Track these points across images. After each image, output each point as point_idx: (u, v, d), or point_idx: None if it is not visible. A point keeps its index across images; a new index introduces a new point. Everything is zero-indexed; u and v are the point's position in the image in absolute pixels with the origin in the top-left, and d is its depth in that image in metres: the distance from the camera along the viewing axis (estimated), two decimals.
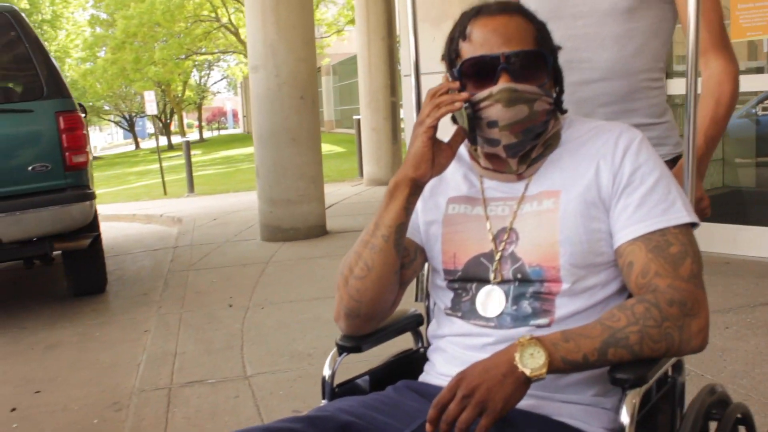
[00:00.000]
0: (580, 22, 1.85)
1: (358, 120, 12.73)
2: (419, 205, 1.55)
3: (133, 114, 40.63)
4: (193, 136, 42.66)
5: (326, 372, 1.60)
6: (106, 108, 39.16)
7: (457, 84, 1.42)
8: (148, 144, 42.81)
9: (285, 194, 6.97)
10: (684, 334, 1.31)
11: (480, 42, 1.41)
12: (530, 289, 1.42)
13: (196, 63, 34.04)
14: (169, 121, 37.49)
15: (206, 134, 46.10)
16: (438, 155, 1.44)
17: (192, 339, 4.25)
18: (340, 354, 1.60)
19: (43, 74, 4.95)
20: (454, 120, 1.48)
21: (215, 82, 54.87)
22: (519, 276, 1.44)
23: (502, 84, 1.37)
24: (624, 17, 1.84)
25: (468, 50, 1.42)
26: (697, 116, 1.73)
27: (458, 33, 1.45)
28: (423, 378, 1.57)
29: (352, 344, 1.59)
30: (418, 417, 1.36)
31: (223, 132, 52.43)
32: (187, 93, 36.52)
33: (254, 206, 7.74)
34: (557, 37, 1.52)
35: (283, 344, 3.98)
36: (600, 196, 1.42)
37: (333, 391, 1.60)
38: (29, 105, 4.90)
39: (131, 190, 15.28)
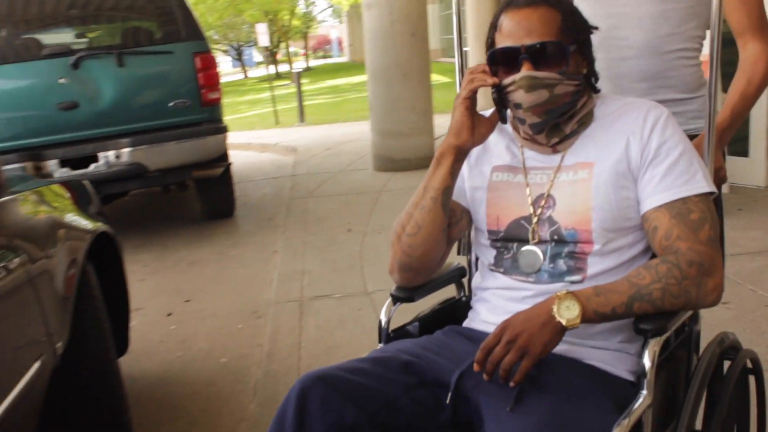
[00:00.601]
0: (621, 2, 1.91)
1: (467, 51, 12.84)
2: (465, 171, 1.69)
3: (241, 43, 41.50)
4: (299, 64, 43.36)
5: (383, 319, 1.73)
6: (215, 37, 40.12)
7: (487, 68, 1.56)
8: (255, 73, 43.73)
9: (396, 127, 7.35)
10: (701, 291, 1.45)
11: (507, 33, 1.53)
12: (565, 249, 1.56)
13: None
14: (276, 50, 38.17)
15: (312, 63, 46.70)
16: (478, 126, 1.58)
17: (317, 259, 4.73)
18: (394, 303, 1.74)
19: (180, 18, 5.44)
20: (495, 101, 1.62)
21: (321, 11, 55.16)
22: (555, 237, 1.56)
23: (524, 72, 1.49)
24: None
25: (498, 40, 1.55)
26: (729, 91, 1.89)
27: (493, 23, 1.58)
28: (467, 324, 1.71)
29: (405, 295, 1.73)
30: (466, 358, 1.49)
31: (328, 60, 52.90)
32: (294, 22, 36.97)
33: (365, 137, 8.14)
34: (598, 15, 1.63)
35: None
36: (629, 168, 1.54)
37: (388, 335, 1.74)
38: (169, 47, 5.41)
39: (245, 119, 15.87)
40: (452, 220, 1.66)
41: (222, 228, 5.96)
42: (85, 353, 2.12)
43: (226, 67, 49.97)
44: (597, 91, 1.62)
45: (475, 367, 1.40)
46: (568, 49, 1.50)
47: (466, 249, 1.92)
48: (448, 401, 1.44)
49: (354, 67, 31.01)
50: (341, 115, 14.18)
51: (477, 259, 1.79)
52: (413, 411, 1.45)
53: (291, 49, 41.51)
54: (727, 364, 1.68)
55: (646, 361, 1.39)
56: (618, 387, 1.47)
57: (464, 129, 1.56)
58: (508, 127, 1.67)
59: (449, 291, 1.91)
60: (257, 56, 49.38)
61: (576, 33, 1.53)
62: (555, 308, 1.39)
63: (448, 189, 1.60)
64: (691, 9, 1.92)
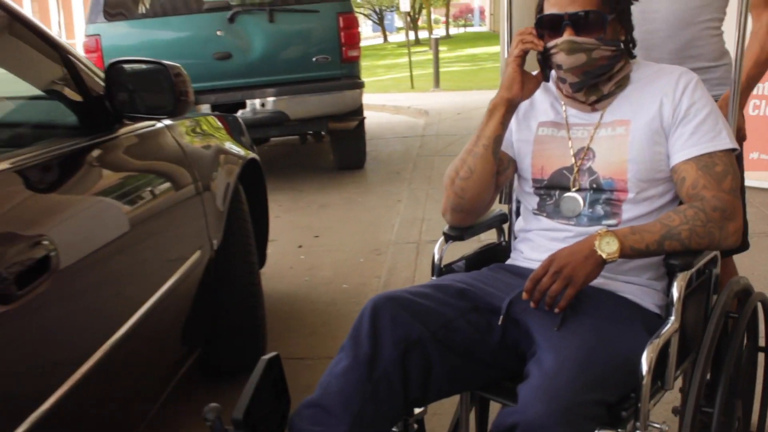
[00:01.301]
0: None
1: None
2: (513, 125, 1.82)
3: (383, 8, 42.01)
4: (439, 32, 43.50)
5: (436, 255, 1.85)
6: (358, 1, 40.78)
7: (534, 32, 1.70)
8: (395, 38, 44.22)
9: None
10: (723, 233, 1.60)
11: (553, 2, 1.67)
12: (603, 196, 1.70)
13: None
14: (417, 16, 38.45)
15: (452, 31, 46.69)
16: (527, 81, 1.71)
17: (436, 209, 5.03)
18: (446, 241, 1.86)
19: None
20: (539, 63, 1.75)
21: None
22: (594, 186, 1.70)
23: (565, 37, 1.63)
24: None
25: (546, 7, 1.68)
26: (744, 58, 1.93)
27: None
28: (511, 261, 1.87)
29: (456, 233, 1.86)
30: (514, 288, 1.64)
31: (469, 29, 52.70)
32: None
33: None
34: None
35: None
36: (662, 125, 1.68)
37: (440, 270, 1.85)
38: (316, 6, 5.85)
39: (380, 82, 16.29)
40: (499, 168, 1.79)
41: (352, 178, 6.40)
42: (233, 251, 2.57)
43: (366, 31, 50.57)
44: (633, 56, 1.76)
45: (524, 295, 1.56)
46: (606, 18, 1.63)
47: (507, 198, 2.03)
48: (500, 323, 1.60)
49: (493, 36, 30.85)
50: (476, 83, 14.36)
51: (517, 207, 1.95)
52: (467, 332, 1.59)
53: (432, 16, 41.63)
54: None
55: (675, 292, 1.55)
56: (646, 317, 1.63)
57: (515, 83, 1.70)
58: (553, 87, 1.81)
59: (491, 237, 2.06)
60: (398, 22, 49.82)
61: (615, 3, 1.66)
62: (597, 243, 1.54)
63: (498, 137, 1.73)
64: None
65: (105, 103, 1.92)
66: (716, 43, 2.11)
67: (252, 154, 2.97)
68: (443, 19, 47.77)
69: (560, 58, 1.64)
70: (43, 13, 21.50)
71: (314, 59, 5.86)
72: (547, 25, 1.66)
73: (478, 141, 1.73)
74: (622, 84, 1.73)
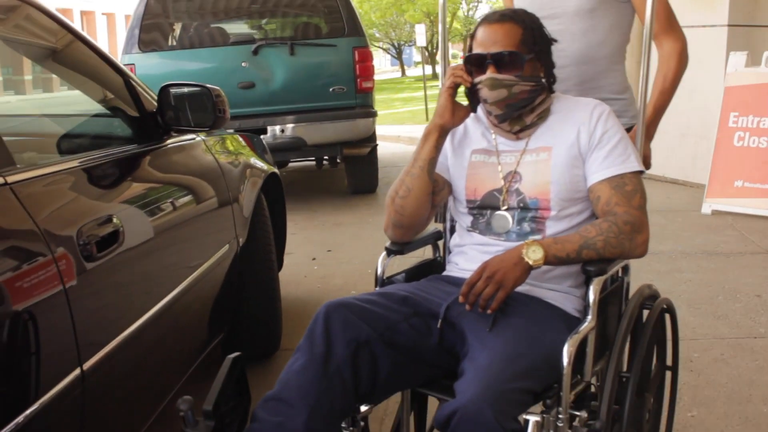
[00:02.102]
0: (555, 21, 2.15)
1: None
2: (449, 152, 1.99)
3: (402, 42, 42.64)
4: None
5: (379, 268, 2.00)
6: (377, 35, 41.39)
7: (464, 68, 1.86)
8: (413, 72, 44.79)
9: None
10: (633, 244, 1.79)
11: (479, 42, 1.85)
12: (529, 214, 1.86)
13: None
14: (434, 51, 38.99)
15: None
16: (457, 110, 1.88)
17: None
18: (388, 256, 2.02)
19: (345, 16, 6.35)
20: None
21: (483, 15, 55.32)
22: (521, 205, 1.87)
23: (488, 74, 1.80)
24: (588, 15, 2.20)
25: (474, 47, 1.86)
26: (652, 89, 2.15)
27: (472, 33, 1.90)
28: (447, 273, 2.02)
29: (396, 248, 2.01)
30: (451, 294, 1.80)
31: None
32: (455, 24, 37.66)
33: None
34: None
35: None
36: (579, 151, 1.86)
37: (383, 281, 2.00)
38: (333, 41, 6.33)
39: (397, 114, 16.62)
40: (436, 189, 1.95)
41: (364, 200, 6.82)
42: (256, 249, 2.99)
43: (385, 65, 51.07)
44: (553, 91, 1.94)
45: (461, 298, 1.72)
46: (523, 58, 1.81)
47: (442, 217, 2.20)
48: (438, 326, 1.76)
49: None
50: None
51: (451, 226, 2.13)
52: (410, 334, 1.75)
53: (450, 51, 42.13)
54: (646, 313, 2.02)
55: (591, 294, 1.73)
56: (567, 319, 1.82)
57: (447, 111, 1.87)
58: (484, 117, 1.98)
59: (427, 254, 2.23)
60: (417, 56, 50.48)
61: (533, 45, 1.84)
62: (524, 251, 1.71)
63: (432, 160, 1.89)
64: (613, 21, 2.23)
65: (157, 118, 2.35)
66: (617, 78, 2.30)
67: (273, 169, 3.40)
68: (461, 54, 48.32)
69: (485, 92, 1.82)
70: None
71: (331, 89, 6.32)
72: (474, 63, 1.83)
73: (415, 163, 1.90)
74: (544, 115, 1.91)
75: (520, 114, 1.88)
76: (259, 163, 3.29)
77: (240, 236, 2.80)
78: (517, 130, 1.91)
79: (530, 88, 1.84)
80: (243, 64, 6.22)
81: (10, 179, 1.53)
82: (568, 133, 1.88)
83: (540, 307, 1.81)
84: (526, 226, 1.87)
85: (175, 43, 6.49)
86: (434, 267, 2.17)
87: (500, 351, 1.59)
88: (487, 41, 1.83)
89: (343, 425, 1.77)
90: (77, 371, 1.56)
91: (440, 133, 1.89)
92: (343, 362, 1.64)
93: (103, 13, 26.38)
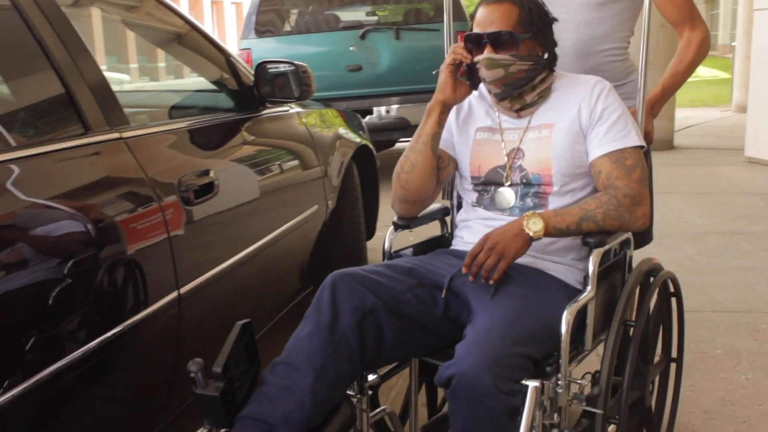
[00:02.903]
0: (562, 9, 2.17)
1: (734, 46, 12.78)
2: (454, 129, 2.03)
3: None
4: None
5: (386, 242, 2.05)
6: None
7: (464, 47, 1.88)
8: None
9: None
10: (632, 216, 1.80)
11: (477, 22, 1.87)
12: (532, 190, 1.88)
13: None
14: None
15: None
16: (459, 87, 1.90)
17: None
18: (396, 230, 2.05)
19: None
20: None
21: None
22: (524, 181, 1.89)
23: (485, 54, 1.83)
24: (596, 8, 2.19)
25: (473, 26, 1.88)
26: (666, 71, 2.21)
27: (472, 14, 1.92)
28: (453, 247, 2.06)
29: (404, 223, 2.05)
30: (456, 266, 1.83)
31: None
32: None
33: None
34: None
35: None
36: (581, 127, 1.87)
37: (391, 255, 2.05)
38: (437, 26, 6.57)
39: None
40: (441, 165, 1.99)
41: None
42: (344, 214, 3.30)
43: None
44: (553, 71, 1.96)
45: (463, 269, 1.75)
46: (518, 38, 1.83)
47: (449, 194, 2.26)
48: (443, 296, 1.80)
49: None
50: None
51: (458, 203, 2.17)
52: (415, 304, 1.78)
53: None
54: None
55: (590, 266, 1.75)
56: (569, 290, 1.84)
57: (447, 87, 1.90)
58: (488, 96, 2.01)
59: (436, 231, 2.27)
60: None
61: (530, 24, 1.85)
62: (525, 223, 1.73)
63: (436, 135, 1.93)
64: (620, 16, 2.24)
65: (253, 91, 2.68)
66: (619, 66, 2.31)
67: (365, 142, 3.70)
68: None
69: (483, 72, 1.85)
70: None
71: (433, 72, 6.53)
72: (473, 42, 1.86)
73: (419, 139, 1.94)
74: (545, 94, 1.94)
75: (521, 92, 1.90)
76: (351, 135, 3.59)
77: (329, 200, 3.11)
78: (518, 108, 1.94)
79: (528, 67, 1.86)
80: (351, 48, 6.55)
81: (125, 134, 1.87)
82: (570, 109, 1.90)
83: (541, 278, 1.84)
84: (529, 202, 1.90)
85: (288, 29, 6.90)
86: (442, 242, 2.22)
87: (500, 317, 1.62)
88: (484, 21, 1.86)
89: (351, 393, 1.80)
90: (174, 293, 1.89)
91: (442, 108, 1.92)
92: (349, 329, 1.67)
93: (231, 2, 27.56)
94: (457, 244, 2.05)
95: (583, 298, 1.72)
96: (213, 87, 2.80)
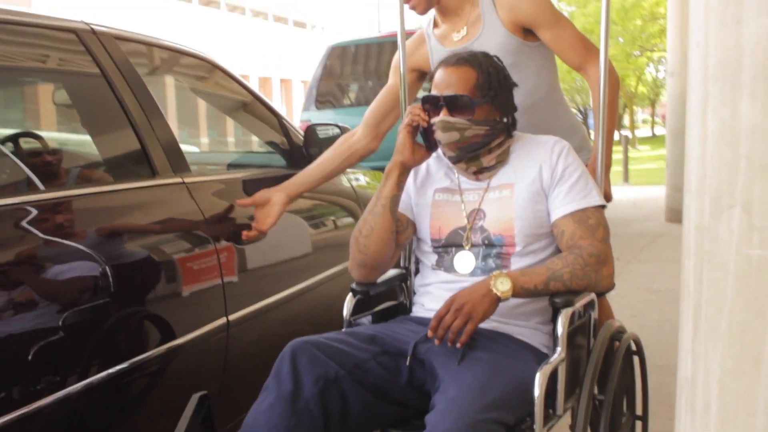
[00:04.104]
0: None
1: None
2: (412, 191, 1.99)
3: (587, 107, 42.38)
4: (644, 131, 43.03)
5: (345, 310, 1.99)
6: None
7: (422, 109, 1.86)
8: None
9: None
10: (598, 276, 1.76)
11: (435, 84, 1.86)
12: (494, 250, 1.83)
13: (651, 59, 34.38)
14: (621, 113, 38.43)
15: (660, 130, 46.07)
16: (417, 149, 1.88)
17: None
18: (354, 296, 2.01)
19: None
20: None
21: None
22: (486, 242, 1.84)
23: (441, 116, 1.80)
24: (511, 69, 1.98)
25: (431, 88, 1.87)
26: (594, 117, 2.06)
27: (431, 75, 1.91)
28: (413, 314, 2.00)
29: (362, 289, 2.01)
30: (419, 332, 1.77)
31: None
32: (640, 88, 37.04)
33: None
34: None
35: (642, 283, 5.36)
36: (542, 187, 1.84)
37: (350, 323, 1.99)
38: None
39: None
40: (399, 228, 1.96)
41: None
42: None
43: None
44: (511, 135, 1.92)
45: (429, 333, 1.68)
46: (473, 102, 1.79)
47: (407, 260, 2.21)
48: (407, 363, 1.74)
49: None
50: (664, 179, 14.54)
51: (416, 267, 2.09)
52: (379, 372, 1.73)
53: (640, 116, 41.34)
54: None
55: (559, 327, 1.70)
56: (537, 354, 1.79)
57: (406, 148, 1.87)
58: (445, 157, 1.95)
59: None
60: None
61: (488, 89, 1.82)
62: (492, 283, 1.68)
63: (395, 197, 1.89)
64: (537, 64, 2.22)
65: (303, 151, 3.01)
66: (563, 117, 2.33)
67: None
68: (651, 118, 47.26)
69: (438, 134, 1.83)
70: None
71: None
72: (430, 104, 1.84)
73: (377, 201, 1.90)
74: (503, 158, 1.91)
75: (476, 155, 1.87)
76: None
77: None
78: (474, 170, 1.91)
79: (483, 132, 1.83)
80: None
81: (186, 180, 2.21)
82: (530, 169, 1.88)
83: (508, 341, 1.79)
84: (491, 263, 1.85)
85: (348, 102, 7.34)
86: (400, 310, 2.16)
87: (470, 383, 1.57)
88: (441, 84, 1.85)
89: None
90: (223, 319, 2.19)
91: (401, 170, 1.89)
92: (312, 399, 1.62)
93: (301, 81, 28.76)
94: (418, 311, 1.99)
95: (554, 360, 1.67)
96: (267, 147, 3.14)
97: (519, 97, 2.07)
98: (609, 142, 2.12)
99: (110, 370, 1.75)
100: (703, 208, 0.91)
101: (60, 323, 1.63)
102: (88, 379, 1.69)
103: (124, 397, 1.85)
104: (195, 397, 1.57)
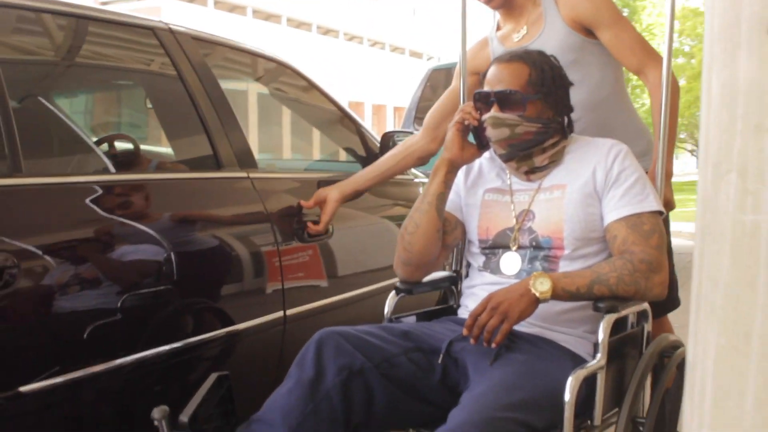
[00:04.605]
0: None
1: None
2: (462, 191, 1.96)
3: None
4: None
5: (386, 307, 1.95)
6: (681, 136, 39.95)
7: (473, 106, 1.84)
8: None
9: None
10: (649, 283, 1.67)
11: (488, 80, 1.84)
12: (541, 253, 1.79)
13: None
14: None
15: None
16: (467, 147, 1.85)
17: None
18: (397, 294, 1.97)
19: None
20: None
21: None
22: (534, 243, 1.80)
23: (491, 112, 1.78)
24: (574, 68, 2.03)
25: (484, 84, 1.85)
26: (653, 121, 2.01)
27: (483, 72, 1.89)
28: (459, 315, 1.94)
29: (405, 287, 1.96)
30: (457, 331, 1.73)
31: None
32: None
33: None
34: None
35: None
36: (595, 189, 1.78)
37: (391, 320, 1.95)
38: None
39: (684, 213, 16.15)
40: (447, 228, 1.93)
41: None
42: None
43: (690, 167, 49.10)
44: (566, 136, 1.87)
45: (465, 331, 1.64)
46: (525, 98, 1.77)
47: (458, 263, 2.16)
48: (440, 361, 1.69)
49: None
50: None
51: (466, 272, 2.05)
52: (409, 368, 1.68)
53: None
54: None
55: (600, 333, 1.61)
56: (578, 361, 1.69)
57: (455, 146, 1.84)
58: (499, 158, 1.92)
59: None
60: None
61: (541, 85, 1.79)
62: (531, 282, 1.62)
63: (441, 195, 1.85)
64: (600, 61, 2.17)
65: (379, 157, 3.03)
66: (628, 118, 2.27)
67: None
68: None
69: (489, 131, 1.80)
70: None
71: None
72: (481, 101, 1.82)
73: (424, 199, 1.87)
74: (557, 158, 1.86)
75: (529, 154, 1.84)
76: None
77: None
78: (526, 170, 1.88)
79: (535, 129, 1.80)
80: None
81: (252, 175, 2.27)
82: (584, 171, 1.82)
83: (550, 347, 1.74)
84: (538, 265, 1.80)
85: None
86: (448, 313, 2.08)
87: (497, 381, 1.54)
88: (493, 80, 1.83)
89: None
90: (281, 312, 2.23)
91: (449, 168, 1.86)
92: (333, 388, 1.59)
93: (393, 107, 29.11)
94: (462, 313, 1.93)
95: (591, 366, 1.60)
96: (344, 153, 3.19)
97: (582, 94, 2.05)
98: (670, 149, 2.03)
99: (162, 348, 1.83)
100: (706, 178, 0.86)
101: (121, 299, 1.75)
102: (141, 353, 1.78)
103: (173, 376, 1.92)
104: (213, 377, 1.56)
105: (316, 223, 2.37)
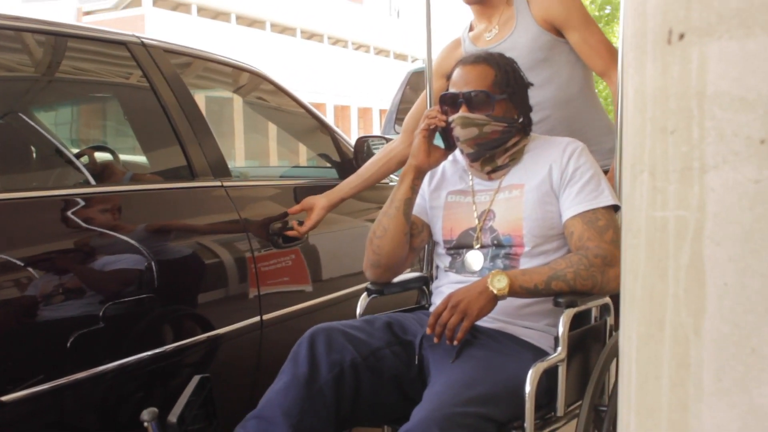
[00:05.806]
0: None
1: None
2: (427, 194, 2.02)
3: None
4: None
5: (358, 309, 2.01)
6: None
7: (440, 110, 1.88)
8: None
9: None
10: (604, 277, 1.73)
11: (453, 82, 1.88)
12: (503, 251, 1.84)
13: None
14: None
15: None
16: (433, 152, 1.90)
17: None
18: (368, 296, 2.03)
19: None
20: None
21: None
22: (495, 242, 1.85)
23: (459, 113, 1.82)
24: (544, 65, 2.16)
25: (449, 87, 1.89)
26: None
27: (448, 75, 1.93)
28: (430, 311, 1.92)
29: (376, 288, 2.02)
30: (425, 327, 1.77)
31: None
32: None
33: None
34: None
35: None
36: (552, 188, 1.83)
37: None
38: None
39: None
40: (414, 231, 2.00)
41: None
42: None
43: None
44: (527, 134, 1.95)
45: (428, 330, 1.71)
46: (493, 98, 1.83)
47: (428, 266, 2.24)
48: (416, 362, 1.78)
49: None
50: None
51: (436, 273, 2.10)
52: (393, 361, 1.75)
53: None
54: None
55: (560, 327, 1.67)
56: (540, 354, 1.74)
57: (421, 152, 1.90)
58: (461, 159, 2.02)
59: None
60: None
61: (506, 86, 1.85)
62: (489, 281, 1.68)
63: (409, 200, 1.92)
64: (569, 59, 2.23)
65: (353, 162, 3.09)
66: (597, 115, 2.33)
67: None
68: None
69: (457, 131, 1.84)
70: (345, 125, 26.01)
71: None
72: (448, 102, 1.87)
73: (392, 204, 1.93)
74: (516, 156, 1.92)
75: (493, 155, 1.90)
76: None
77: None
78: (489, 170, 1.93)
79: (502, 128, 1.86)
80: None
81: (225, 183, 2.32)
82: (540, 170, 1.88)
83: (510, 341, 1.78)
84: (500, 263, 1.86)
85: None
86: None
87: (456, 377, 1.59)
88: (460, 81, 1.88)
89: None
90: (257, 317, 2.28)
91: (415, 173, 1.92)
92: (326, 384, 1.64)
93: (379, 110, 29.23)
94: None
95: (551, 358, 1.65)
96: (318, 160, 3.24)
97: (551, 92, 2.14)
98: None
99: (143, 354, 1.89)
100: (625, 178, 0.93)
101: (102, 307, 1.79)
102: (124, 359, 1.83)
103: (155, 381, 1.97)
104: (196, 379, 1.62)
105: (300, 224, 2.43)
